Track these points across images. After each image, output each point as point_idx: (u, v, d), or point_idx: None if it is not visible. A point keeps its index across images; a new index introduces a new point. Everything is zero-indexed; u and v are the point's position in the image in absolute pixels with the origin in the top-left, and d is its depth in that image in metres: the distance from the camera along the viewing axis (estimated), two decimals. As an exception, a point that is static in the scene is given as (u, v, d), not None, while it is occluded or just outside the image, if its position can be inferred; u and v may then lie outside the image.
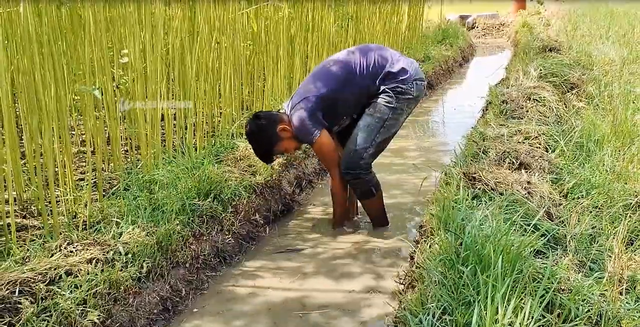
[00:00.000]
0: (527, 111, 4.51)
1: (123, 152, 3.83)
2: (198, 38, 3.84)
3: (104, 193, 3.17)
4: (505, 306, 1.63)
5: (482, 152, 3.54)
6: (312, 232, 3.34)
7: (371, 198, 3.26)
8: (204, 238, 2.89)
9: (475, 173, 2.99)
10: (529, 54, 7.29)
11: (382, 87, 3.06)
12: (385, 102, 3.06)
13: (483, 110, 5.22)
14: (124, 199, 2.92)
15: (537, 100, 4.74)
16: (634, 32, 10.09)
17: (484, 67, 10.37)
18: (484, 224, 2.28)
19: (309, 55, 5.79)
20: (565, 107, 4.86)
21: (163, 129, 3.93)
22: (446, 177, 3.06)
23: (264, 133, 3.07)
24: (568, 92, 5.40)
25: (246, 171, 3.55)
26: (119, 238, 2.56)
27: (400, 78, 3.04)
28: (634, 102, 5.05)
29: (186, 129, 3.83)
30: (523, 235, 2.31)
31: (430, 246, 2.36)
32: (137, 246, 2.48)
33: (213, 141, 3.98)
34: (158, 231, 2.63)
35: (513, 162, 3.31)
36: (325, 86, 3.03)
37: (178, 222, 2.77)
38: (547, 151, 3.71)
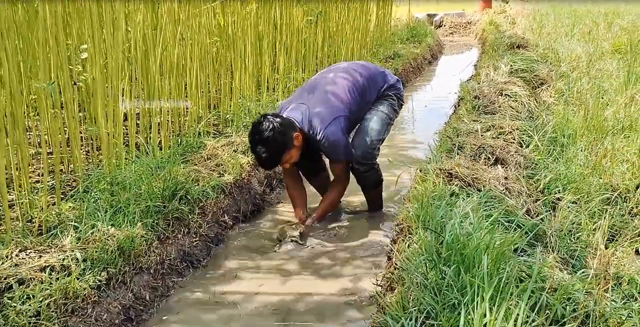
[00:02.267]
0: (500, 106, 4.46)
1: (84, 153, 3.64)
2: (162, 33, 3.67)
3: (62, 196, 2.99)
4: (494, 309, 1.53)
5: (457, 148, 3.46)
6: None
7: (379, 186, 3.42)
8: (170, 241, 2.74)
9: (451, 169, 2.90)
10: (498, 50, 7.29)
11: (385, 92, 3.35)
12: (389, 104, 3.35)
13: (455, 106, 5.16)
14: (83, 201, 2.74)
15: (508, 95, 4.69)
16: (598, 29, 10.24)
17: (453, 65, 10.38)
18: (464, 222, 2.18)
19: (277, 53, 5.66)
20: (537, 102, 4.83)
21: (127, 129, 3.74)
22: (422, 174, 2.96)
23: (281, 136, 2.90)
24: (538, 87, 5.38)
25: (214, 170, 3.39)
26: (77, 243, 2.38)
27: (397, 86, 3.42)
28: (602, 97, 5.06)
29: (150, 128, 3.66)
30: (505, 232, 2.22)
31: (409, 246, 2.25)
32: (96, 251, 2.31)
33: (179, 140, 3.81)
34: (119, 234, 2.47)
35: (489, 158, 3.24)
36: (347, 108, 3.11)
37: (141, 225, 2.61)
38: (521, 146, 3.66)
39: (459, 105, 5.01)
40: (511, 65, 5.53)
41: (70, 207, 2.76)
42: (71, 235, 2.45)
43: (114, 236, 2.45)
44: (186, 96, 4.08)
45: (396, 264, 2.25)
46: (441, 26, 15.42)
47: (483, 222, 2.14)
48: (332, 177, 3.39)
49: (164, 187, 2.91)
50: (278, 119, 2.92)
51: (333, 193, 3.29)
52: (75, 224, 2.54)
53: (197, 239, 2.89)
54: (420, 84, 8.22)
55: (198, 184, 3.12)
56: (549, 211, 2.78)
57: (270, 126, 2.87)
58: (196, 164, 3.41)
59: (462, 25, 15.51)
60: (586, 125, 4.15)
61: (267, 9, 5.16)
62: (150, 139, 3.61)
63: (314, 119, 3.00)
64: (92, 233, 2.47)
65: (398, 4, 11.27)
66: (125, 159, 3.27)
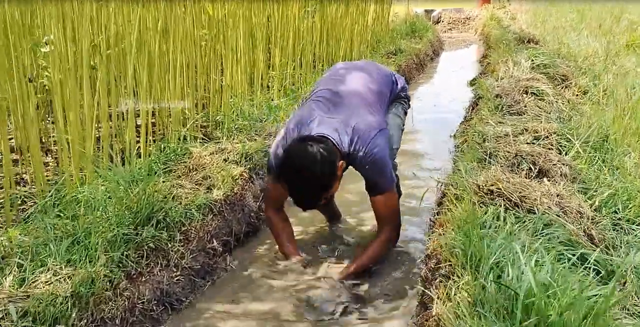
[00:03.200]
0: (526, 106, 3.93)
1: (49, 162, 3.08)
2: (139, 22, 3.10)
3: (13, 218, 2.43)
4: None
5: (489, 156, 2.92)
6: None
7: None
8: (143, 279, 2.18)
9: (492, 185, 2.35)
10: (510, 45, 6.76)
11: (397, 95, 2.80)
12: (402, 107, 2.83)
13: (472, 106, 4.63)
14: (43, 227, 2.19)
15: (535, 93, 4.16)
16: (605, 24, 9.78)
17: (456, 61, 9.91)
18: (527, 263, 1.64)
19: (271, 47, 5.11)
20: (564, 101, 4.31)
21: (100, 133, 3.17)
22: (455, 191, 2.42)
23: (330, 168, 2.20)
24: (560, 84, 4.86)
25: (200, 184, 2.83)
26: (20, 288, 1.83)
27: (406, 87, 2.88)
28: (634, 95, 4.55)
29: (126, 132, 3.10)
30: (578, 273, 1.68)
31: (455, 292, 1.70)
32: (41, 302, 1.75)
33: (161, 146, 3.24)
34: (76, 275, 1.91)
35: (530, 168, 2.70)
36: (382, 119, 2.51)
37: (106, 260, 2.05)
38: (560, 153, 3.12)
39: (476, 105, 4.48)
40: (532, 61, 5.00)
41: (19, 235, 2.20)
42: (13, 275, 1.90)
43: (69, 278, 1.89)
44: (170, 95, 3.52)
45: (440, 316, 1.69)
46: (439, 22, 14.90)
47: (560, 268, 1.59)
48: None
49: (137, 208, 2.35)
50: (322, 145, 2.20)
51: (381, 243, 2.48)
52: (20, 260, 1.98)
53: (179, 273, 2.33)
54: (424, 82, 7.67)
55: (180, 204, 2.56)
56: (614, 237, 2.24)
57: (318, 156, 2.16)
58: (179, 177, 2.84)
59: (460, 21, 14.99)
60: (627, 127, 3.64)
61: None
62: (126, 145, 3.04)
63: (356, 135, 2.31)
64: (41, 272, 1.91)
65: (395, 3, 10.79)
66: (96, 172, 2.71)
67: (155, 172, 2.78)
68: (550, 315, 1.34)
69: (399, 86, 2.78)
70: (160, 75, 3.40)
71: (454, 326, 1.50)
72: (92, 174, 2.68)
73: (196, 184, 2.81)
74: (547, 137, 3.23)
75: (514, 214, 2.18)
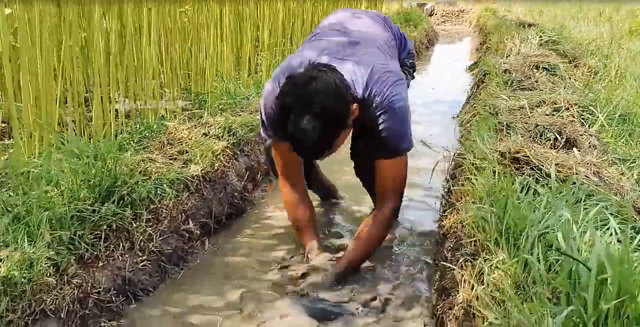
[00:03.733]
0: (537, 82, 3.57)
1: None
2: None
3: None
4: None
5: (505, 128, 2.56)
6: (279, 246, 2.26)
7: None
8: (100, 264, 1.79)
9: (517, 152, 1.99)
10: (510, 27, 6.43)
11: (404, 59, 2.34)
12: (405, 77, 2.22)
13: (476, 84, 4.27)
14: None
15: (546, 69, 3.81)
16: (605, 13, 9.54)
17: (452, 51, 9.62)
18: (584, 236, 1.27)
19: (260, 26, 4.73)
20: (578, 78, 3.97)
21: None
22: (472, 159, 2.06)
23: (344, 104, 1.70)
24: (572, 62, 4.52)
25: (175, 159, 2.45)
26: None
27: (412, 52, 2.40)
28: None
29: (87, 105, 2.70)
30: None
31: (488, 273, 1.33)
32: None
33: (136, 124, 2.83)
34: (10, 258, 1.52)
35: (556, 138, 2.35)
36: (399, 68, 2.04)
37: (51, 240, 1.66)
38: (582, 126, 2.77)
39: (482, 83, 4.13)
40: (540, 37, 4.65)
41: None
42: None
43: (0, 261, 1.51)
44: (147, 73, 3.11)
45: (466, 303, 1.32)
46: (432, 15, 14.58)
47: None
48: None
49: (95, 182, 1.96)
50: (338, 75, 1.72)
51: (381, 223, 1.99)
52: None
53: (145, 257, 1.94)
54: (420, 68, 7.33)
55: (150, 178, 2.18)
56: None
57: (333, 85, 1.66)
58: (150, 152, 2.46)
59: (454, 13, 14.68)
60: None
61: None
62: (88, 120, 2.64)
63: (373, 78, 1.83)
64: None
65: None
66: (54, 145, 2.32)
67: (123, 148, 2.40)
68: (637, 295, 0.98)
69: (407, 48, 2.36)
70: (132, 47, 2.99)
71: (496, 313, 1.13)
72: (48, 146, 2.30)
73: (170, 159, 2.43)
74: (568, 109, 2.87)
75: (546, 185, 1.81)
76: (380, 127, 1.85)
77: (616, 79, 4.39)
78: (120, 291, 1.82)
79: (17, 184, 1.87)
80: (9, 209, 1.75)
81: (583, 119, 2.86)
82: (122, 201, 1.99)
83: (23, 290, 1.50)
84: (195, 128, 2.78)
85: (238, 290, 1.94)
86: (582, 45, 5.90)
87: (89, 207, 1.87)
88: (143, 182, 2.11)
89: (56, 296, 1.58)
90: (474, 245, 1.52)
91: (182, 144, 2.58)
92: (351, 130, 1.85)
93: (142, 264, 1.92)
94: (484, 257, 1.41)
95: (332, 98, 1.63)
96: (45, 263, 1.58)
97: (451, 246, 1.75)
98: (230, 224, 2.51)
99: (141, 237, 1.96)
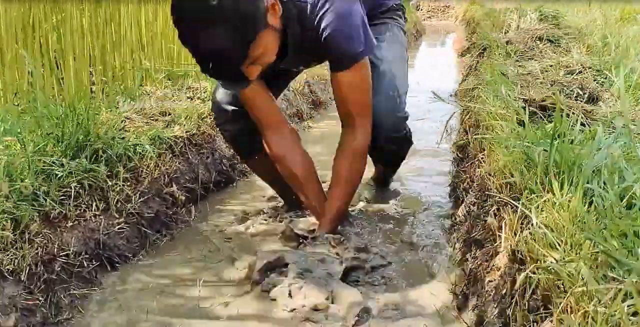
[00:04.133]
0: (541, 52, 3.38)
1: None
2: None
3: None
4: None
5: (520, 87, 2.35)
6: (272, 219, 2.01)
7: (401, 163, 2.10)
8: (69, 224, 1.54)
9: (544, 100, 1.78)
10: (502, 12, 6.26)
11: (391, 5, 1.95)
12: (398, 26, 1.96)
13: (475, 60, 4.07)
14: None
15: (550, 40, 3.62)
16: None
17: (441, 43, 9.52)
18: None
19: None
20: (583, 51, 3.78)
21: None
22: (492, 108, 1.83)
23: (243, 8, 1.36)
24: (571, 42, 4.34)
25: (156, 120, 2.20)
26: None
27: None
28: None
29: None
30: None
31: (535, 215, 1.10)
32: None
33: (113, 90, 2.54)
34: (-42, 208, 1.27)
35: (579, 93, 2.14)
36: None
37: (9, 192, 1.41)
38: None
39: (481, 57, 3.93)
40: (540, 12, 4.48)
41: None
42: None
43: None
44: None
45: (515, 250, 1.09)
46: (418, 10, 14.47)
47: None
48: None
49: (63, 136, 1.70)
50: None
51: (354, 157, 1.71)
52: None
53: (122, 220, 1.69)
54: (411, 56, 7.14)
55: (128, 134, 1.92)
56: None
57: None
58: (127, 112, 2.20)
59: (440, 8, 14.59)
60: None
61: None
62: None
63: None
64: None
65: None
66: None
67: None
68: None
69: None
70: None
71: (561, 251, 0.90)
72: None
73: (150, 119, 2.18)
74: (581, 72, 2.67)
75: (581, 132, 1.60)
76: (322, 26, 1.54)
77: (621, 52, 4.24)
78: (94, 255, 1.56)
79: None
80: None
81: (597, 83, 2.66)
82: (95, 157, 1.73)
83: (-27, 245, 1.25)
84: (178, 91, 2.54)
85: (229, 259, 1.69)
86: (577, 28, 5.78)
87: (55, 161, 1.62)
88: (120, 138, 1.85)
89: (15, 255, 1.32)
90: (509, 191, 1.30)
91: (163, 105, 2.33)
92: (278, 41, 1.49)
93: (118, 227, 1.66)
94: (524, 202, 1.18)
95: (231, 6, 1.32)
96: (0, 217, 1.32)
97: (475, 200, 1.53)
98: (219, 192, 2.27)
99: (117, 197, 1.70)
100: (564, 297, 0.83)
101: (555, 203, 1.06)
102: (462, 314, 1.29)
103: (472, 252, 1.34)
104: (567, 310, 0.82)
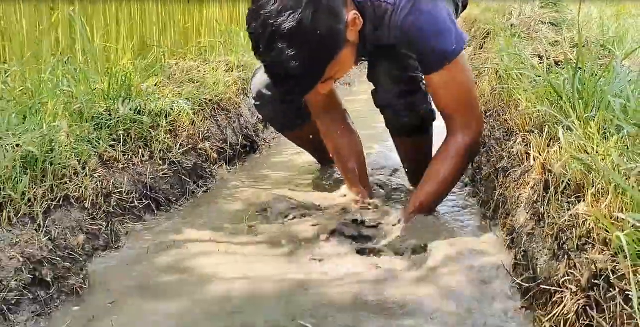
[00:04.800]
0: (546, 37, 3.51)
1: None
2: None
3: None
4: None
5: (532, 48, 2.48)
6: (305, 177, 2.09)
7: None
8: (120, 166, 1.65)
9: (557, 56, 1.91)
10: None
11: None
12: None
13: (479, 45, 4.21)
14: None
15: (553, 24, 3.76)
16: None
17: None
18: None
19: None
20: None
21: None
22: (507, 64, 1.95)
23: (327, 18, 1.31)
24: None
25: (182, 83, 2.31)
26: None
27: None
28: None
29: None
30: None
31: (563, 135, 1.22)
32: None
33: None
34: (26, 140, 1.37)
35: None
36: None
37: (69, 132, 1.52)
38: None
39: (486, 39, 4.07)
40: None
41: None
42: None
43: (17, 146, 1.35)
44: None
45: (543, 171, 1.21)
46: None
47: None
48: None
49: (108, 88, 1.82)
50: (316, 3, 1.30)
51: (456, 154, 1.53)
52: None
53: (166, 167, 1.80)
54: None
55: (162, 96, 2.03)
56: None
57: (300, 19, 1.27)
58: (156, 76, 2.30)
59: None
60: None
61: None
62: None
63: None
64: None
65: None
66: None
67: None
68: None
69: None
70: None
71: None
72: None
73: (181, 84, 2.29)
74: (585, 45, 2.80)
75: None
76: (405, 29, 1.42)
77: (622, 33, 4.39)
78: (142, 195, 1.67)
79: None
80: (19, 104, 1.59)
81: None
82: (138, 111, 1.84)
83: (43, 172, 1.35)
84: (203, 65, 2.65)
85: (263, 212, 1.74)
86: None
87: (104, 113, 1.73)
88: (157, 97, 1.97)
89: (78, 184, 1.43)
90: (533, 123, 1.42)
91: (190, 74, 2.44)
92: (356, 48, 1.42)
93: (162, 173, 1.77)
94: (551, 126, 1.31)
95: (307, 10, 1.25)
96: (67, 150, 1.43)
97: (498, 136, 1.65)
98: (246, 158, 2.37)
99: (160, 147, 1.81)
100: (598, 179, 0.94)
101: (582, 121, 1.18)
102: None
103: (500, 182, 1.46)
104: (599, 192, 0.94)
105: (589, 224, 0.89)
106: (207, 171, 2.02)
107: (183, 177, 1.87)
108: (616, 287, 0.77)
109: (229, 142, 2.26)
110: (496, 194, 1.44)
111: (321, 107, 1.76)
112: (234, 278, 1.31)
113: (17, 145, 1.36)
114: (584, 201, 0.94)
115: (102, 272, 1.35)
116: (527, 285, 1.04)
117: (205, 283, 1.29)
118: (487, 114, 1.88)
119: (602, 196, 0.93)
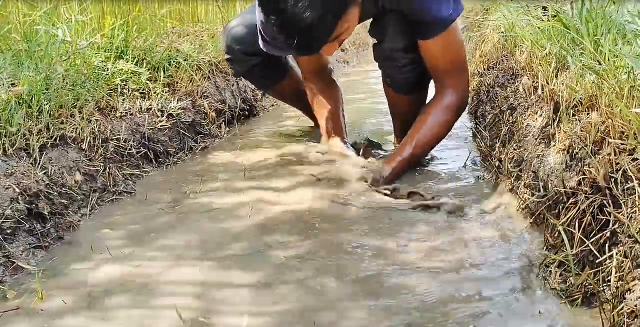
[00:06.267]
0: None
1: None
2: None
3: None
4: None
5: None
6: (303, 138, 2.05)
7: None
8: (117, 114, 1.62)
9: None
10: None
11: None
12: None
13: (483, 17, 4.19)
14: None
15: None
16: None
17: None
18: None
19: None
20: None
21: None
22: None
23: None
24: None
25: (180, 44, 2.27)
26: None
27: None
28: None
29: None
30: None
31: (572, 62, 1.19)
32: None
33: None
34: (22, 79, 1.34)
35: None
36: None
37: (64, 77, 1.48)
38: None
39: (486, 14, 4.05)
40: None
41: None
42: None
43: (12, 85, 1.32)
44: None
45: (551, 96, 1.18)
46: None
47: None
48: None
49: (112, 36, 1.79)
50: None
51: (445, 109, 1.56)
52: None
53: (164, 119, 1.76)
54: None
55: (161, 51, 2.00)
56: None
57: None
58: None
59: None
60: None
61: None
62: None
63: None
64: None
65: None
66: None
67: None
68: None
69: None
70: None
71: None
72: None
73: (179, 43, 2.25)
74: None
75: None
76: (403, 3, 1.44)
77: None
78: (140, 145, 1.64)
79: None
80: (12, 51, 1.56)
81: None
82: (136, 63, 1.81)
83: (40, 110, 1.32)
84: (204, 31, 2.61)
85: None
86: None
87: (101, 63, 1.70)
88: (155, 47, 1.93)
89: (75, 126, 1.39)
90: (542, 60, 1.39)
91: (188, 36, 2.41)
92: (359, 10, 1.39)
93: (161, 124, 1.74)
94: (560, 58, 1.28)
95: None
96: (63, 86, 1.40)
97: (501, 80, 1.62)
98: (245, 122, 2.34)
99: (158, 99, 1.78)
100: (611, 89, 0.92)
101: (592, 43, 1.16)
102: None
103: (507, 119, 1.43)
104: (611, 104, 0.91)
105: (605, 128, 0.86)
106: (206, 128, 1.99)
107: (182, 131, 1.83)
108: (634, 179, 0.74)
109: (227, 104, 2.23)
110: (502, 132, 1.41)
111: (311, 70, 1.80)
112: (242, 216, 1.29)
113: (13, 85, 1.33)
114: (597, 110, 0.91)
115: (100, 212, 1.32)
116: (537, 201, 1.01)
117: (209, 221, 1.27)
118: (491, 65, 1.85)
119: (616, 106, 0.90)
